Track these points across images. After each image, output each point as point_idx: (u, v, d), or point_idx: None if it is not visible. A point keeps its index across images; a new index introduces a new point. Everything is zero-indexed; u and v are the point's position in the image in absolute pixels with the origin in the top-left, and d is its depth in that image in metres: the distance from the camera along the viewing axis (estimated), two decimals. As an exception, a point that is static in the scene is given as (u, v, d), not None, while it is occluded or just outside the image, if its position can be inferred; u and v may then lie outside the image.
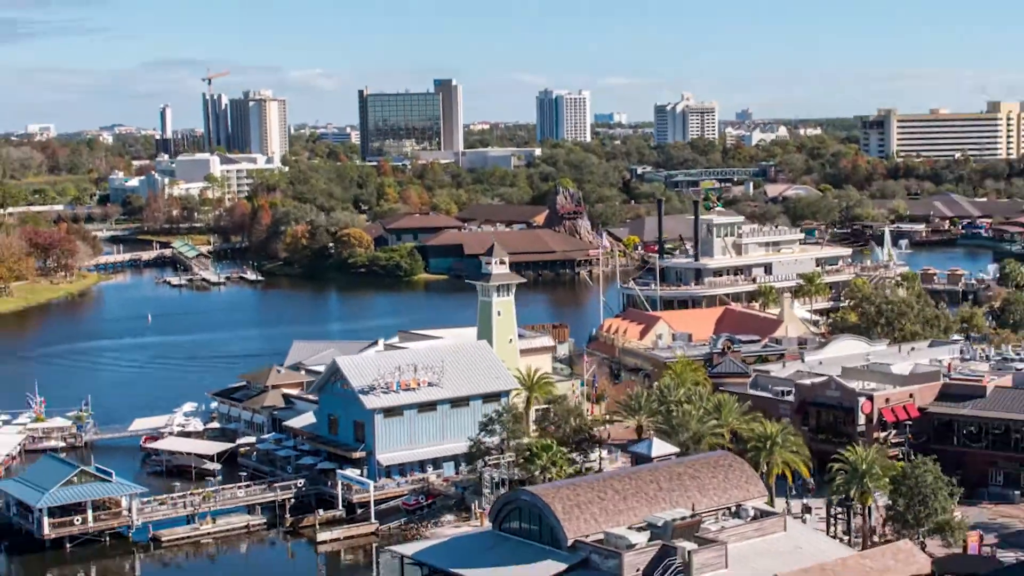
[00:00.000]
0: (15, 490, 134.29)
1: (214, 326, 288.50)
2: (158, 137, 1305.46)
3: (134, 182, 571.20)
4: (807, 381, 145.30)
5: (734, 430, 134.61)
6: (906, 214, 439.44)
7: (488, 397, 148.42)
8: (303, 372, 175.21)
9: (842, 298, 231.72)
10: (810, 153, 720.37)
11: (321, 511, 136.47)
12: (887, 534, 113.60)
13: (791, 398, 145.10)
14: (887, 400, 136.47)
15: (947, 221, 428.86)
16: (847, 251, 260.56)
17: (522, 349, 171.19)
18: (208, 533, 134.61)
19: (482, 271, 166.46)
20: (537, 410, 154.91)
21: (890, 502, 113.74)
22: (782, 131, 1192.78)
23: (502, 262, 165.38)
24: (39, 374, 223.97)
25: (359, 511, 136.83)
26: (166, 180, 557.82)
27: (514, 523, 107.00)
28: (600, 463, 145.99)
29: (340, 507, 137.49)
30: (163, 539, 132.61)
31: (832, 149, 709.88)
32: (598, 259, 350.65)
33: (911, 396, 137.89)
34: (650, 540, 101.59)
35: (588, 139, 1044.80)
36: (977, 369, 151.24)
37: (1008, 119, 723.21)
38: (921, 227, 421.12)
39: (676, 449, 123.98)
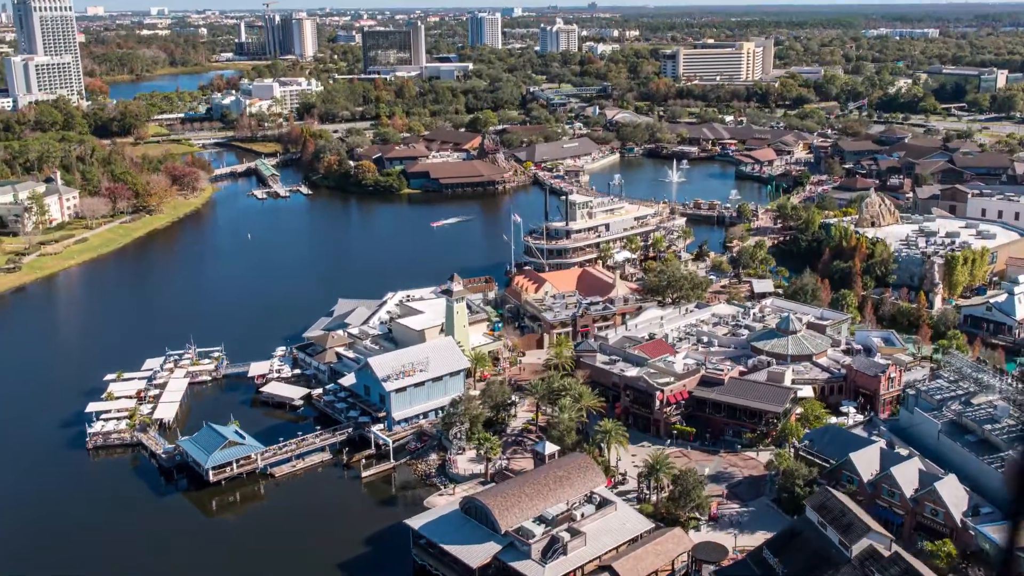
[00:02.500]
0: (191, 450, 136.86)
1: (293, 241, 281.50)
2: (237, 41, 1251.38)
3: (227, 101, 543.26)
4: (629, 372, 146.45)
5: (589, 408, 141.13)
6: (687, 137, 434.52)
7: (453, 373, 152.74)
8: (346, 334, 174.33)
9: (646, 269, 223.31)
10: (632, 70, 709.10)
11: (364, 458, 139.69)
12: (670, 504, 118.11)
13: (617, 373, 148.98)
14: (671, 390, 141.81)
15: (709, 143, 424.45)
16: (652, 210, 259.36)
17: (471, 322, 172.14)
18: (300, 468, 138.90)
19: (447, 288, 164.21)
20: (479, 382, 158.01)
21: (672, 486, 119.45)
22: (615, 35, 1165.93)
23: (458, 284, 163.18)
24: (188, 312, 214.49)
25: (382, 449, 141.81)
26: (247, 101, 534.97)
27: (471, 512, 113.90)
28: (515, 410, 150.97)
29: (372, 447, 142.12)
30: (275, 474, 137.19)
31: (645, 71, 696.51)
32: (509, 179, 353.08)
33: (684, 385, 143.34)
34: (545, 528, 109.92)
35: (499, 45, 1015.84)
36: (722, 360, 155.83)
37: (748, 53, 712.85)
38: (695, 149, 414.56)
39: (558, 448, 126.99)
